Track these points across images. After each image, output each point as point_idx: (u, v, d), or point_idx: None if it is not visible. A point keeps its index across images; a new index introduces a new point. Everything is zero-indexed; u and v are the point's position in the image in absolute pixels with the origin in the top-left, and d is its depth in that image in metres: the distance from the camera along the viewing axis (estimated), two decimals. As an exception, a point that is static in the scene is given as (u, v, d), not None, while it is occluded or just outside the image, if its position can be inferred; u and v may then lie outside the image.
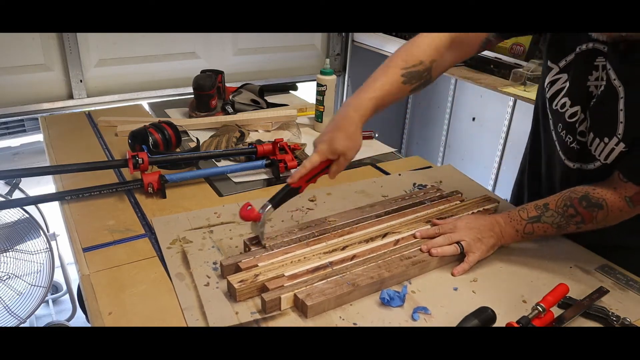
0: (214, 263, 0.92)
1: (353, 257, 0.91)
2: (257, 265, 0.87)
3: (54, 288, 2.13)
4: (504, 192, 2.11)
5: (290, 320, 0.80)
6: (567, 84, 0.94)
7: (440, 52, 0.95)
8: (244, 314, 0.80)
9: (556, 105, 0.97)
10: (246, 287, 0.82)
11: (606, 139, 0.87)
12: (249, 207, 0.88)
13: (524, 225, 0.92)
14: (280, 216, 1.08)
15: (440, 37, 0.94)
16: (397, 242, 0.96)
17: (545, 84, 0.99)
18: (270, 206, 0.90)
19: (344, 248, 0.93)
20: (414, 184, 1.24)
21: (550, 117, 1.00)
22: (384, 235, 0.98)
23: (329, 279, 0.84)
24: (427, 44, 0.94)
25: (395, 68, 0.92)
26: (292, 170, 1.27)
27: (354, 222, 1.01)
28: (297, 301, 0.81)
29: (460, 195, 1.14)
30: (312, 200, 1.16)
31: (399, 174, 1.32)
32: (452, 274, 0.92)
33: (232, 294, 0.83)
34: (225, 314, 0.80)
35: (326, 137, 0.90)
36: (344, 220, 1.02)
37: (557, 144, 1.00)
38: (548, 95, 0.98)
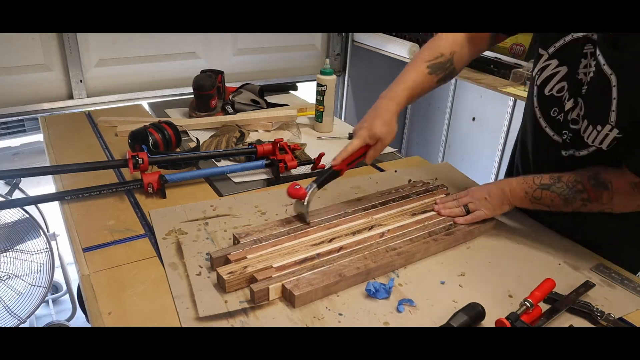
0: (207, 254, 0.92)
1: (340, 248, 0.92)
2: (246, 258, 0.88)
3: (54, 288, 2.13)
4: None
5: (278, 309, 0.81)
6: (561, 69, 0.95)
7: (458, 45, 1.07)
8: (233, 303, 0.81)
9: (550, 90, 0.98)
10: (235, 279, 0.83)
11: (599, 127, 0.88)
12: (297, 186, 0.97)
13: (534, 189, 0.95)
14: (275, 210, 1.09)
15: (457, 34, 1.07)
16: (383, 234, 0.97)
17: (535, 71, 1.00)
18: (315, 186, 0.99)
19: (331, 240, 0.94)
20: (409, 181, 1.24)
21: (537, 105, 1.01)
22: (371, 228, 0.99)
23: (316, 270, 0.85)
24: (446, 39, 1.07)
25: (421, 62, 1.05)
26: (292, 171, 1.28)
27: (342, 215, 1.03)
28: (284, 291, 0.82)
29: (445, 189, 1.16)
30: None
31: (395, 171, 1.32)
32: (455, 222, 1.00)
33: (221, 285, 0.84)
34: (214, 303, 0.81)
35: (366, 124, 1.00)
36: (332, 213, 1.03)
37: (547, 129, 1.00)
38: (539, 82, 0.99)
